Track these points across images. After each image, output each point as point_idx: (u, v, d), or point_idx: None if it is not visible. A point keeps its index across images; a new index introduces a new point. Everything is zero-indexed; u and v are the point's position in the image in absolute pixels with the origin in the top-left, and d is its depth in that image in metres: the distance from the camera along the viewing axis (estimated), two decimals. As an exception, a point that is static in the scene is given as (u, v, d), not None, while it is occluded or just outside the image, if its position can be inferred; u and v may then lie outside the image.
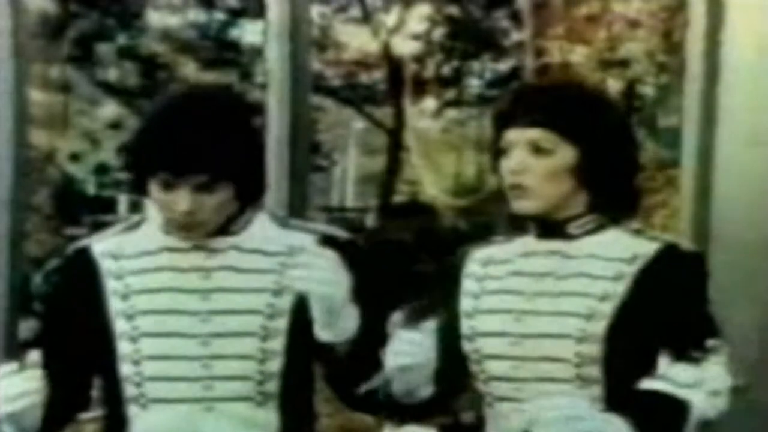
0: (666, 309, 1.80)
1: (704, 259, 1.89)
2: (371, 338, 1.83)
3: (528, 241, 1.90)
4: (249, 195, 1.87)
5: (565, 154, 1.82)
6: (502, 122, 1.86)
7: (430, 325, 1.79)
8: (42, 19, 9.81)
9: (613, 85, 7.87)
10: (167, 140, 1.78)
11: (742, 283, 2.83)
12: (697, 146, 2.95)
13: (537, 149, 1.82)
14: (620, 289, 1.80)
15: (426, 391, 1.82)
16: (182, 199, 1.80)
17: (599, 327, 1.78)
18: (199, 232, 1.86)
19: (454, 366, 1.88)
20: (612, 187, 1.86)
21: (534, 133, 1.81)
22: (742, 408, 2.83)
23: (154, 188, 1.82)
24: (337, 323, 1.80)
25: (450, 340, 1.88)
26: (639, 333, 1.79)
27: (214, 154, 1.78)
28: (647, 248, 1.84)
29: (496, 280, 1.89)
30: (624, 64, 7.83)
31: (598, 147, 1.83)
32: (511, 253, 1.91)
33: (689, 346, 1.78)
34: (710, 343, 1.79)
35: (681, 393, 1.74)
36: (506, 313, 1.85)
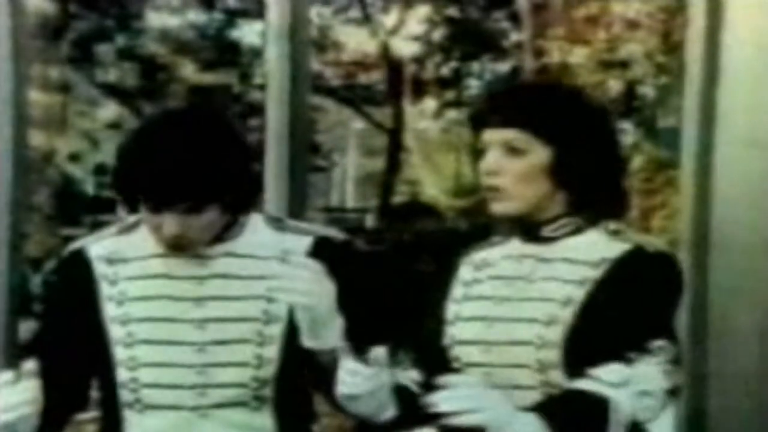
0: (624, 311, 1.77)
1: (672, 260, 1.84)
2: (364, 342, 1.83)
3: (514, 244, 1.88)
4: (239, 208, 1.86)
5: (540, 154, 1.79)
6: (478, 123, 1.84)
7: (379, 355, 1.76)
8: (41, 20, 9.81)
9: (613, 86, 7.87)
10: (148, 172, 1.76)
11: (742, 284, 2.83)
12: (697, 147, 2.94)
13: (511, 149, 1.79)
14: (581, 294, 1.78)
15: (386, 414, 1.80)
16: (169, 224, 1.79)
17: (557, 333, 1.76)
18: (190, 249, 1.85)
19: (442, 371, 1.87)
20: (592, 187, 1.82)
21: (507, 133, 1.79)
22: (745, 409, 2.83)
23: (143, 210, 1.82)
24: (321, 333, 1.79)
25: (437, 347, 1.86)
26: (598, 337, 1.76)
27: (197, 180, 1.76)
28: (615, 251, 1.81)
29: (479, 284, 1.88)
30: (623, 64, 7.83)
31: (574, 146, 1.79)
32: (495, 253, 1.90)
33: (633, 346, 1.74)
34: (654, 344, 1.76)
35: (605, 392, 1.70)
36: (480, 320, 1.83)
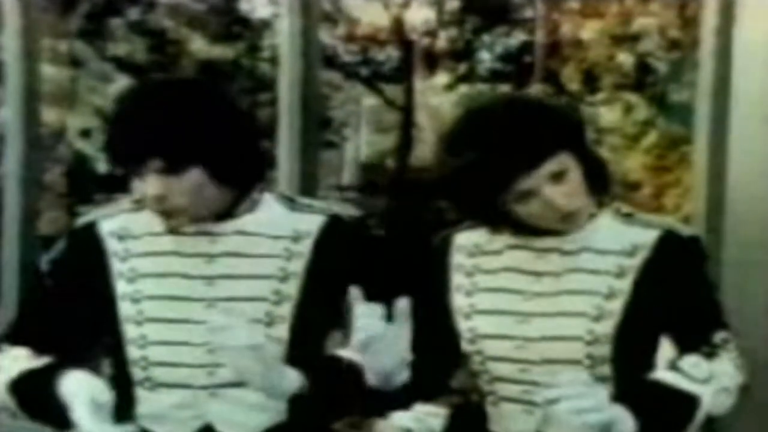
0: (674, 300, 1.78)
1: (702, 242, 1.86)
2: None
3: (520, 234, 1.85)
4: (228, 176, 1.84)
5: (575, 167, 1.79)
6: (509, 173, 1.74)
7: (403, 306, 1.74)
8: (52, -6, 9.77)
9: (625, 60, 7.82)
10: (122, 132, 1.78)
11: (757, 261, 2.82)
12: (711, 123, 2.92)
13: (557, 176, 1.76)
14: (625, 285, 1.78)
15: (400, 376, 1.79)
16: (150, 184, 1.79)
17: (608, 327, 1.76)
18: (180, 217, 1.84)
19: (445, 355, 1.86)
20: (597, 171, 1.84)
21: (552, 165, 1.75)
22: (756, 385, 2.82)
23: (134, 182, 1.83)
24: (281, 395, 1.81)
25: (439, 331, 1.85)
26: (648, 328, 1.77)
27: (166, 138, 1.76)
28: (645, 237, 1.80)
29: (488, 275, 1.85)
30: (636, 38, 7.78)
31: (586, 150, 1.82)
32: (498, 243, 1.86)
33: (699, 339, 1.75)
34: (720, 336, 1.77)
35: (693, 388, 1.71)
36: (507, 314, 1.81)
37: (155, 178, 1.78)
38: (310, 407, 1.81)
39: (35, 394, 1.83)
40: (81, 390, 1.73)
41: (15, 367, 1.88)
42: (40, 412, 1.84)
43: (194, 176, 1.79)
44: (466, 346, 1.85)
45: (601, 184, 1.84)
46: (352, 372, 1.80)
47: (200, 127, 1.78)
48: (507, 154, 1.72)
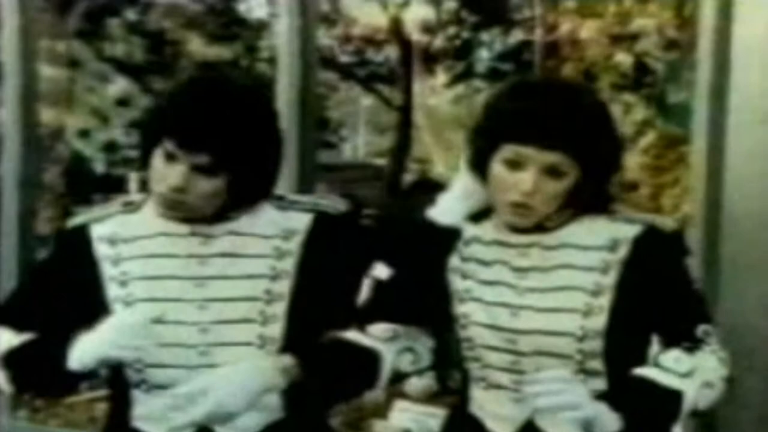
0: (658, 294, 1.79)
1: (684, 236, 1.86)
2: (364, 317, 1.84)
3: (500, 227, 1.87)
4: (242, 191, 1.85)
5: (573, 176, 1.79)
6: (513, 135, 1.78)
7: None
8: (50, -5, 9.76)
9: (623, 60, 7.82)
10: (182, 110, 1.77)
11: (755, 261, 2.82)
12: (709, 123, 2.92)
13: (552, 171, 1.77)
14: (610, 281, 1.79)
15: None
16: (176, 174, 1.78)
17: (598, 323, 1.77)
18: (182, 212, 1.84)
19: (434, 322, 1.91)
20: (596, 194, 1.84)
21: (554, 157, 1.76)
22: (749, 385, 2.82)
23: (156, 159, 1.81)
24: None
25: (430, 300, 1.89)
26: (637, 323, 1.78)
27: (220, 138, 1.76)
28: (626, 232, 1.81)
29: (482, 266, 1.87)
30: (634, 38, 7.78)
31: (599, 166, 1.81)
32: (488, 236, 1.89)
33: (682, 333, 1.76)
34: (702, 329, 1.77)
35: (675, 383, 1.72)
36: (500, 306, 1.83)
37: (185, 169, 1.78)
38: (308, 395, 1.82)
39: (36, 362, 1.85)
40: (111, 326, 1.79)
41: (4, 340, 1.90)
42: (40, 379, 1.86)
43: (218, 183, 1.80)
44: (460, 332, 1.87)
45: (591, 205, 1.84)
46: (355, 353, 1.81)
47: (247, 139, 1.78)
48: (534, 118, 1.76)
